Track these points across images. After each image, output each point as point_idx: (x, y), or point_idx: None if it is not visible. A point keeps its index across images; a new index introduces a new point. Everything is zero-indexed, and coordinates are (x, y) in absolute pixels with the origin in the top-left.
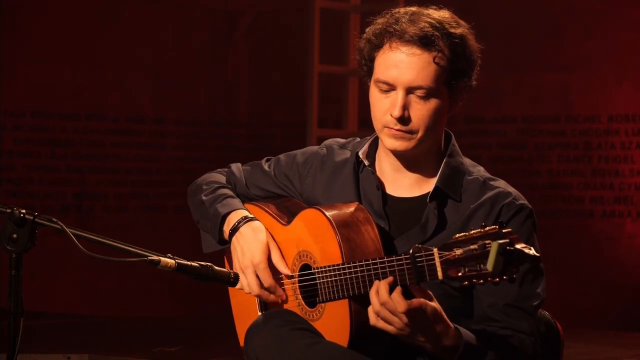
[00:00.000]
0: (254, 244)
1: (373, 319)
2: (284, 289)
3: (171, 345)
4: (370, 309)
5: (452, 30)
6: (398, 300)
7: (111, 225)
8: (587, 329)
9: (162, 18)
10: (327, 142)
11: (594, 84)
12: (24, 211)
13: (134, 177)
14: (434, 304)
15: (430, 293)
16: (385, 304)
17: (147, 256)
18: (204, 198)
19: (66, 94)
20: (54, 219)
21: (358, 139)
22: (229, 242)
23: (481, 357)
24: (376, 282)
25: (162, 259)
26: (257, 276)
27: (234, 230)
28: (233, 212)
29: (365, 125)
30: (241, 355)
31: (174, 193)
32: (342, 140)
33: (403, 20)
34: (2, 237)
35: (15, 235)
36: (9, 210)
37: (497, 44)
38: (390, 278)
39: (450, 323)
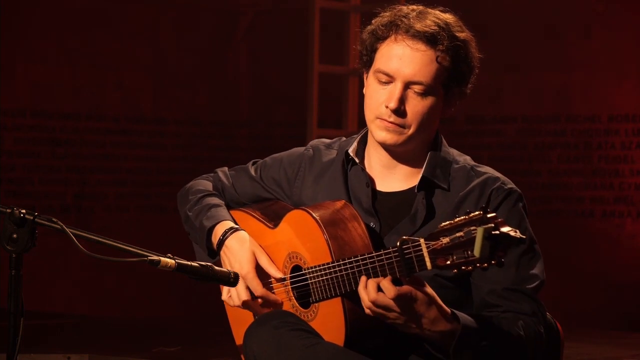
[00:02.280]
0: (240, 255)
1: (368, 311)
2: (274, 292)
3: (171, 345)
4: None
5: (457, 34)
6: (388, 288)
7: (111, 225)
8: (587, 329)
9: (162, 18)
10: (313, 142)
11: (594, 84)
12: (24, 211)
13: (134, 177)
14: (427, 289)
15: (423, 280)
16: (375, 302)
17: (147, 256)
18: (189, 213)
19: (66, 94)
20: (54, 219)
21: (344, 138)
22: (218, 254)
23: (481, 340)
24: (362, 279)
25: (162, 259)
26: (248, 287)
27: (220, 244)
28: (218, 225)
29: (365, 126)
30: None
31: (174, 193)
32: (327, 141)
33: (411, 15)
34: (2, 237)
35: (15, 235)
36: (9, 210)
37: (497, 44)
38: (380, 278)
39: (447, 308)
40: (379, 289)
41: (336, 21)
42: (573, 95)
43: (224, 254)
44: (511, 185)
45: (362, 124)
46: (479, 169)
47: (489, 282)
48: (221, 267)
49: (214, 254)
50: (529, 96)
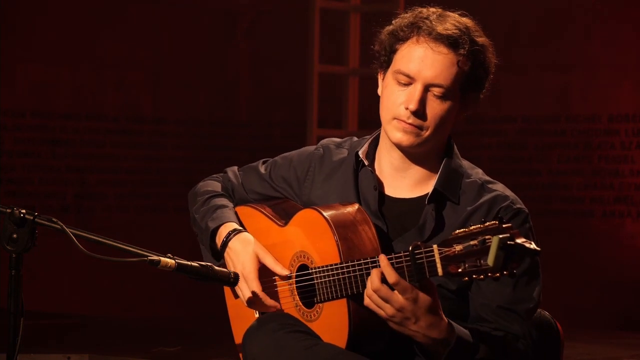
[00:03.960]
0: (242, 256)
1: (367, 300)
2: (276, 292)
3: (171, 345)
4: (365, 295)
5: (477, 39)
6: (389, 272)
7: (111, 225)
8: (587, 329)
9: (162, 18)
10: (323, 142)
11: (594, 84)
12: (24, 211)
13: (134, 177)
14: (432, 296)
15: (433, 284)
16: (378, 291)
17: (147, 256)
18: (196, 215)
19: (66, 94)
20: (54, 219)
21: (355, 138)
22: (222, 256)
23: (473, 355)
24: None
25: (162, 259)
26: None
27: (224, 246)
28: (222, 226)
29: (365, 126)
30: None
31: (174, 193)
32: (337, 140)
33: (432, 17)
34: (2, 237)
35: (15, 235)
36: (9, 210)
37: (497, 44)
38: (381, 256)
39: (444, 317)
40: (383, 281)
41: (336, 21)
42: (573, 95)
43: (228, 255)
44: (520, 205)
45: (362, 124)
46: (490, 185)
47: (484, 297)
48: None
49: (218, 255)
50: (529, 96)
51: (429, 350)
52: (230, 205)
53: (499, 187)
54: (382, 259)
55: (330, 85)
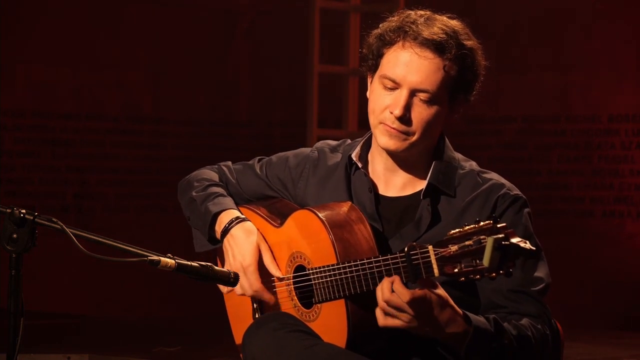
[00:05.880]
0: (244, 246)
1: (381, 320)
2: (275, 292)
3: (171, 345)
4: (377, 310)
5: (465, 42)
6: (401, 292)
7: (111, 225)
8: (587, 328)
9: (162, 18)
10: (318, 144)
11: (594, 84)
12: (24, 211)
13: (134, 177)
14: (440, 291)
15: (436, 281)
16: (389, 301)
17: (147, 256)
18: (194, 194)
19: (66, 94)
20: (54, 219)
21: (349, 141)
22: (219, 241)
23: (492, 341)
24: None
25: (162, 259)
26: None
27: (225, 231)
28: (224, 212)
29: (365, 125)
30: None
31: (174, 193)
32: (333, 143)
33: (419, 21)
34: (2, 237)
35: (15, 235)
36: (9, 210)
37: (497, 44)
38: (395, 277)
39: (459, 309)
40: (393, 291)
41: (336, 21)
42: (573, 95)
43: (228, 242)
44: (517, 191)
45: (362, 124)
46: (484, 175)
47: (494, 283)
48: (222, 254)
49: (215, 241)
50: (529, 96)
51: (450, 345)
52: (229, 196)
53: (494, 176)
54: (396, 280)
55: (330, 85)
